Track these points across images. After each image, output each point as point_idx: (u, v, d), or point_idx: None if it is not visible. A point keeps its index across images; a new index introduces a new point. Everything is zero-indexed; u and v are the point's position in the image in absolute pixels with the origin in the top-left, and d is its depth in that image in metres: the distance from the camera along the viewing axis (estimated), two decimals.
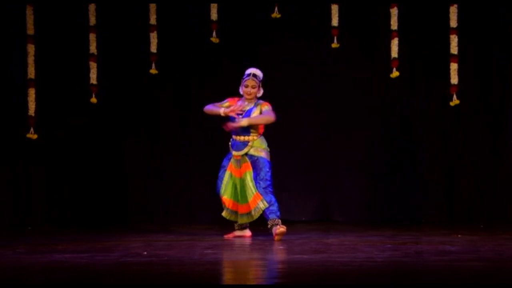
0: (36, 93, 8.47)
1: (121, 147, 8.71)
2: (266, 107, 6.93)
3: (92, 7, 8.49)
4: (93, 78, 8.53)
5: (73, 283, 4.66)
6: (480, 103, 8.60)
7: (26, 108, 8.45)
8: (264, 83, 8.80)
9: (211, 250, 6.15)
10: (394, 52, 8.53)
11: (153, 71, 8.62)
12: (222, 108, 6.89)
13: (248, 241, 6.84)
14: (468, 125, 8.62)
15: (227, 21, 8.63)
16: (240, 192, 6.92)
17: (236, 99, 7.00)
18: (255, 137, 6.94)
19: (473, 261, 5.41)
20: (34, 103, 8.45)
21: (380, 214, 8.66)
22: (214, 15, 8.56)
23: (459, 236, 7.01)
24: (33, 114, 8.45)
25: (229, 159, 7.00)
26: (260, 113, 6.89)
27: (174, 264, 5.37)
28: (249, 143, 6.92)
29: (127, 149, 8.71)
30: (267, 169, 6.89)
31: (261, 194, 6.80)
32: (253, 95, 6.93)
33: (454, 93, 8.52)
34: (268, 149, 7.01)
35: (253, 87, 6.92)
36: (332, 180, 8.83)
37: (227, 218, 7.06)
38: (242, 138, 6.93)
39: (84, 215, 8.60)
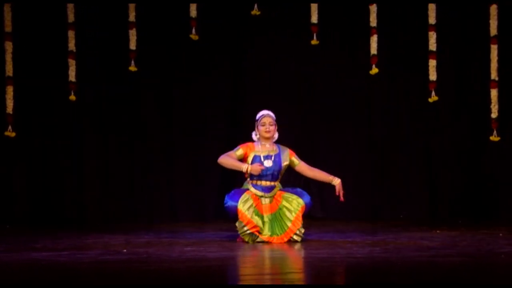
0: (14, 91, 8.41)
1: (102, 145, 8.66)
2: (296, 160, 6.62)
3: (70, 4, 8.44)
4: (72, 75, 8.48)
5: (52, 281, 4.64)
6: (459, 100, 8.64)
7: (4, 106, 8.39)
8: (245, 81, 8.83)
9: (190, 247, 6.14)
10: (374, 49, 8.55)
11: (133, 68, 8.58)
12: (245, 164, 6.43)
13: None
14: (447, 122, 8.65)
15: (206, 18, 8.61)
16: (270, 228, 6.39)
17: (248, 144, 6.59)
18: (278, 182, 6.60)
19: (452, 256, 5.44)
20: (12, 101, 8.40)
21: (360, 210, 8.67)
22: (193, 12, 8.55)
23: (438, 231, 7.05)
24: (11, 112, 8.40)
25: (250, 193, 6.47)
26: (289, 166, 6.58)
27: (153, 261, 5.35)
28: (276, 187, 6.55)
29: (108, 147, 8.67)
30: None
31: (306, 206, 6.39)
32: (272, 133, 6.54)
33: (433, 89, 8.56)
34: None
35: (270, 124, 6.53)
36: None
37: (247, 240, 6.37)
38: (268, 183, 6.51)
39: (65, 213, 8.56)
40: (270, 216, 6.43)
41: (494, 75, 8.51)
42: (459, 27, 8.61)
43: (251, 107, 8.78)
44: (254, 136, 6.63)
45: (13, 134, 8.43)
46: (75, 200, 8.60)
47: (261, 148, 6.55)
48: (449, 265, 5.03)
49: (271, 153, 6.54)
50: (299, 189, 6.61)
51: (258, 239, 6.38)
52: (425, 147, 8.70)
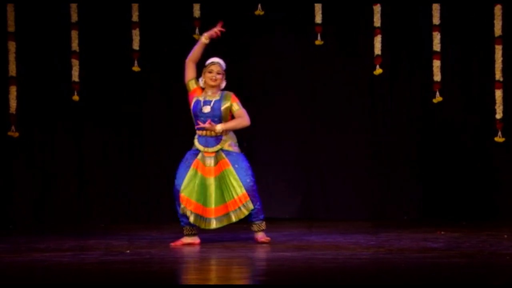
0: (17, 91, 8.41)
1: (104, 145, 8.65)
2: (237, 106, 6.36)
3: (73, 4, 8.44)
4: (75, 75, 8.48)
5: (55, 282, 4.62)
6: (464, 100, 8.61)
7: (7, 106, 8.39)
8: (247, 80, 8.81)
9: (193, 248, 6.13)
10: (377, 49, 8.54)
11: (136, 68, 8.58)
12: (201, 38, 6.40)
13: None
14: (451, 122, 8.63)
15: (210, 18, 8.59)
16: (214, 193, 6.26)
17: (200, 89, 6.40)
18: (227, 132, 6.36)
19: (456, 257, 5.42)
20: (16, 101, 8.39)
21: (364, 212, 8.65)
22: (196, 12, 8.54)
23: (441, 233, 7.02)
24: (14, 112, 8.39)
25: (195, 155, 6.34)
26: (230, 111, 6.35)
27: (156, 262, 5.34)
28: (223, 138, 6.31)
29: (110, 147, 8.66)
30: (248, 164, 6.33)
31: (249, 194, 6.25)
32: (218, 82, 6.35)
33: (437, 90, 8.54)
34: (237, 144, 6.48)
35: (218, 73, 6.34)
36: (316, 177, 8.81)
37: (183, 213, 6.26)
38: (214, 134, 6.32)
39: (67, 213, 8.55)
40: (214, 180, 6.27)
41: (498, 75, 8.48)
42: (464, 27, 8.58)
43: (255, 108, 8.79)
44: (200, 82, 6.43)
45: (16, 134, 8.43)
46: (77, 200, 8.59)
47: (203, 93, 6.37)
48: (452, 266, 5.01)
49: (211, 99, 6.34)
50: (244, 167, 6.30)
51: (203, 226, 6.25)
52: (428, 147, 8.67)
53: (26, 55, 8.45)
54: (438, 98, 8.53)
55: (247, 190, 6.26)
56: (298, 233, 7.21)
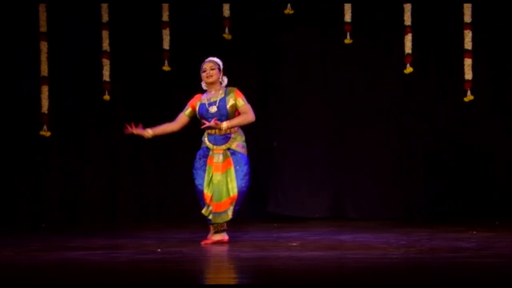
0: (49, 91, 8.47)
1: (135, 144, 8.69)
2: (241, 101, 6.36)
3: (104, 4, 8.49)
4: (106, 75, 8.53)
5: (86, 280, 4.66)
6: (495, 99, 8.54)
7: (40, 105, 8.46)
8: (278, 81, 8.82)
9: (224, 247, 6.13)
10: (408, 47, 8.48)
11: (166, 68, 8.61)
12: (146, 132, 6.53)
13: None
14: (483, 121, 8.56)
15: (239, 17, 8.60)
16: (219, 189, 6.31)
17: (196, 96, 6.52)
18: (236, 129, 6.41)
19: (489, 257, 5.37)
20: (47, 101, 8.46)
21: (395, 211, 8.61)
22: (226, 12, 8.54)
23: (474, 232, 6.96)
24: (46, 112, 8.46)
25: (207, 152, 6.42)
26: (235, 107, 6.35)
27: (187, 261, 5.36)
28: (232, 136, 6.37)
29: (141, 146, 8.70)
30: (249, 169, 6.38)
31: (238, 196, 6.29)
32: (214, 78, 6.41)
33: (468, 88, 8.47)
34: (245, 143, 6.47)
35: (211, 69, 6.39)
36: (347, 177, 8.79)
37: (207, 215, 6.38)
38: (223, 132, 6.35)
39: (98, 212, 8.61)
40: (219, 176, 6.31)
41: None
42: (495, 26, 8.50)
43: (284, 106, 8.81)
44: (203, 85, 6.51)
45: (48, 134, 8.50)
46: (108, 199, 8.64)
47: (207, 95, 6.45)
48: (485, 267, 4.97)
49: (215, 99, 6.39)
50: (244, 169, 6.35)
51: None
52: (460, 146, 8.61)
53: (57, 55, 8.51)
54: (469, 97, 8.46)
55: (238, 193, 6.32)
56: (329, 233, 7.20)
